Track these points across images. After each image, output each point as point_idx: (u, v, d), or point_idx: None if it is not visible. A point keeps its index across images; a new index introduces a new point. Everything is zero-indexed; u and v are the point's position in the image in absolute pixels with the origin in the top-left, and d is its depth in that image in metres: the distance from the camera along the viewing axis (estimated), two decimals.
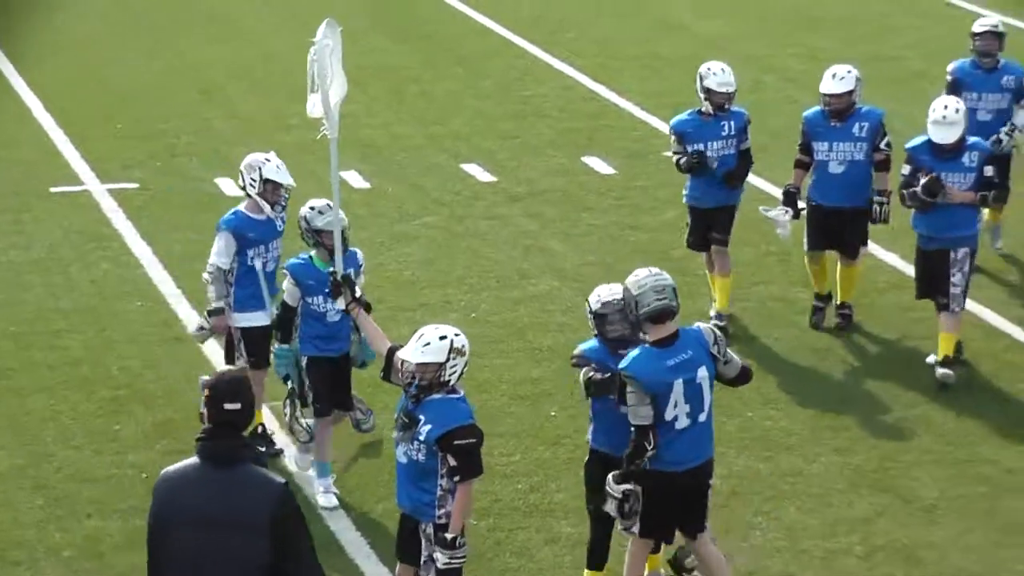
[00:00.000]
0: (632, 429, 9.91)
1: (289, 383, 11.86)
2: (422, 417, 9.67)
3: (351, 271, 11.13)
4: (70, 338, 14.73)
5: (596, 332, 10.56)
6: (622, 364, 10.04)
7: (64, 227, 17.13)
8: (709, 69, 14.43)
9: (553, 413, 12.45)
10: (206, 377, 8.19)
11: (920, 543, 11.51)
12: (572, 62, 22.22)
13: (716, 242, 14.31)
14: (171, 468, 8.01)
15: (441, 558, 9.57)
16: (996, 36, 14.86)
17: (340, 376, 11.84)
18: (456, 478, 9.62)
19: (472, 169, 18.44)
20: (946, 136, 13.02)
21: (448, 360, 9.66)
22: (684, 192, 14.51)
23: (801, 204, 14.24)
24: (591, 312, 10.64)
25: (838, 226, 13.98)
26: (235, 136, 19.65)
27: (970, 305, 14.37)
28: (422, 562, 9.77)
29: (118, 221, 17.22)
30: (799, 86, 20.47)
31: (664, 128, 18.47)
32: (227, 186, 18.00)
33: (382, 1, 25.72)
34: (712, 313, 14.08)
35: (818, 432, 12.71)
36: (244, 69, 22.47)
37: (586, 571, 10.70)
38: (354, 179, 18.10)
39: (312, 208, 11.85)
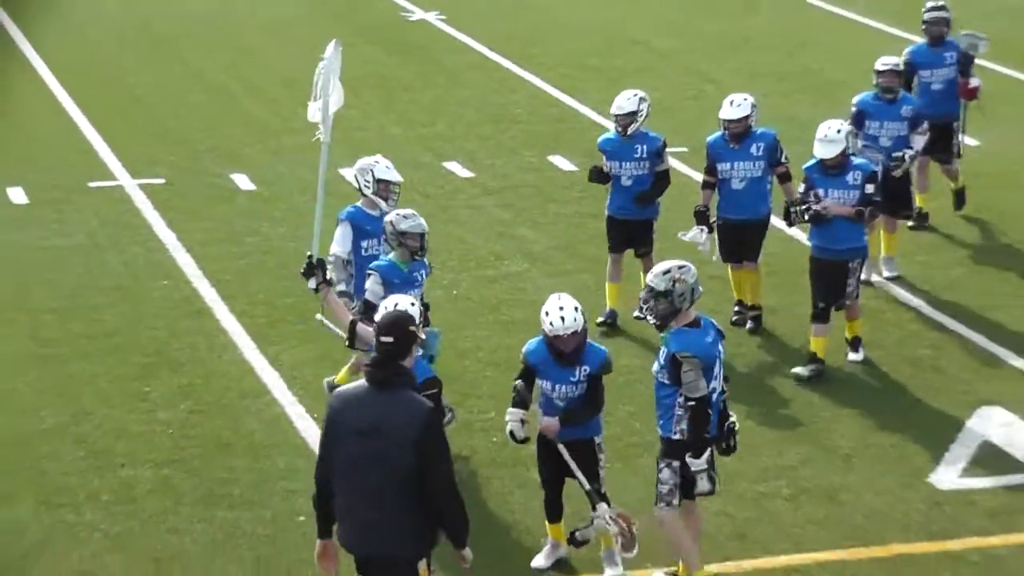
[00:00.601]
0: (692, 404, 9.77)
1: None
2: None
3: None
4: (106, 312, 14.77)
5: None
6: (676, 348, 9.89)
7: (100, 217, 17.15)
8: (617, 97, 14.21)
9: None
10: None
11: (838, 486, 11.66)
12: (540, 74, 22.23)
13: (639, 255, 14.11)
14: (344, 388, 8.86)
15: None
16: (896, 74, 14.72)
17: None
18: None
19: (453, 166, 18.46)
20: (827, 152, 13.00)
21: (425, 339, 9.73)
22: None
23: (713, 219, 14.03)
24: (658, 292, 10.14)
25: (743, 236, 13.85)
26: (247, 138, 19.71)
27: (882, 283, 14.56)
28: None
29: (147, 211, 17.24)
30: (727, 94, 20.49)
31: None
32: (241, 181, 18.13)
33: (377, 21, 25.63)
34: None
35: (751, 393, 12.82)
36: (255, 81, 22.46)
37: (548, 524, 10.67)
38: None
39: (398, 214, 11.60)
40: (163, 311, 14.81)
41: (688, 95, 20.89)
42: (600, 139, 14.21)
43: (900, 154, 14.31)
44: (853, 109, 14.69)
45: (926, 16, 16.29)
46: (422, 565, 8.72)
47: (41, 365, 13.73)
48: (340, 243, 12.23)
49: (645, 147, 13.80)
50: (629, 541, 10.10)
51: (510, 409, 10.34)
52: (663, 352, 10.03)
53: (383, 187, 12.30)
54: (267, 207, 17.37)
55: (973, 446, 12.33)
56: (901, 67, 14.96)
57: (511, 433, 10.35)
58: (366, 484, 8.56)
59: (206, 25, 25.39)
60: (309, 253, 10.74)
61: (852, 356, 13.34)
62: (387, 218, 11.66)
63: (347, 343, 10.39)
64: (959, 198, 16.30)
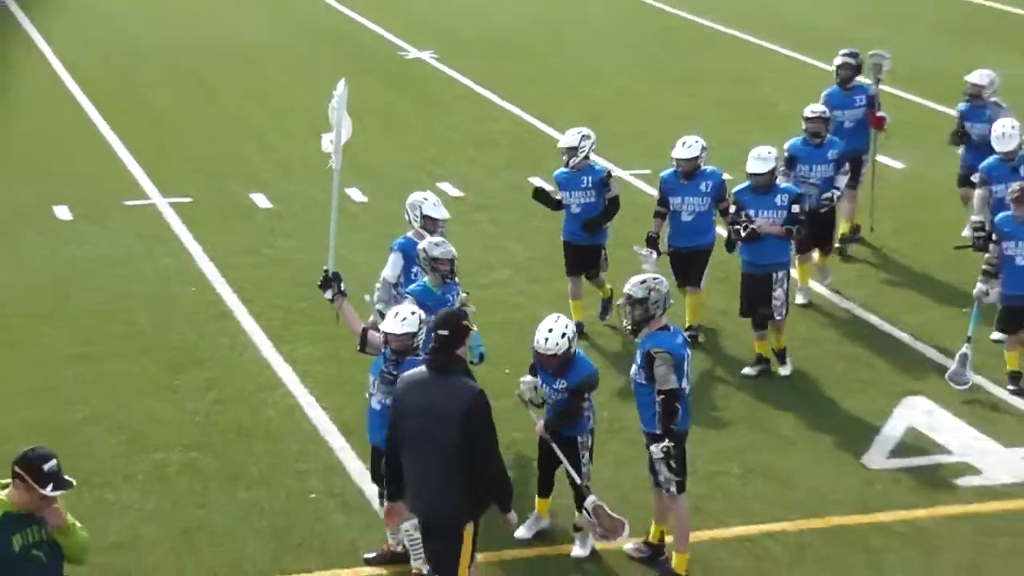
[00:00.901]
0: (662, 396, 9.74)
1: None
2: (401, 374, 9.68)
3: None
4: (140, 315, 14.79)
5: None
6: (650, 345, 9.91)
7: (135, 231, 17.13)
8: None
9: (507, 371, 12.40)
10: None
11: (783, 467, 11.77)
12: (520, 105, 22.25)
13: (589, 277, 14.02)
14: (407, 373, 9.11)
15: None
16: (824, 120, 14.53)
17: None
18: None
19: (445, 186, 18.41)
20: (759, 167, 12.94)
21: (420, 331, 9.83)
22: None
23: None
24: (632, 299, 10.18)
25: (690, 263, 13.71)
26: (264, 161, 19.74)
27: (821, 291, 14.59)
28: None
29: (176, 226, 17.23)
30: (688, 123, 20.51)
31: (609, 165, 18.65)
32: (259, 200, 18.11)
33: (378, 58, 25.71)
34: None
35: (707, 388, 12.89)
36: (272, 109, 22.50)
37: (537, 498, 10.72)
38: (356, 195, 18.14)
39: (430, 242, 11.40)
40: (190, 314, 14.82)
41: (652, 124, 20.94)
42: (556, 171, 14.04)
43: (828, 195, 14.22)
44: (785, 153, 14.46)
45: (836, 61, 16.20)
46: (468, 528, 8.92)
47: (82, 362, 13.72)
48: (391, 268, 11.98)
49: (591, 178, 13.67)
50: (606, 532, 10.05)
51: (523, 379, 10.53)
52: (639, 353, 10.04)
53: (430, 223, 11.99)
54: (281, 223, 17.39)
55: (900, 431, 12.40)
56: (827, 115, 14.75)
57: (519, 395, 10.52)
58: (424, 456, 8.82)
59: (228, 58, 25.49)
60: (325, 268, 10.65)
61: (781, 371, 13.22)
62: (420, 245, 11.48)
63: (358, 348, 10.31)
64: (855, 231, 16.17)
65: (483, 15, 28.48)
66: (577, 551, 10.55)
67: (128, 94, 23.12)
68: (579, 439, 10.30)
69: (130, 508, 11.19)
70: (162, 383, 13.27)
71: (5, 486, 7.27)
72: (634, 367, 10.14)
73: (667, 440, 9.76)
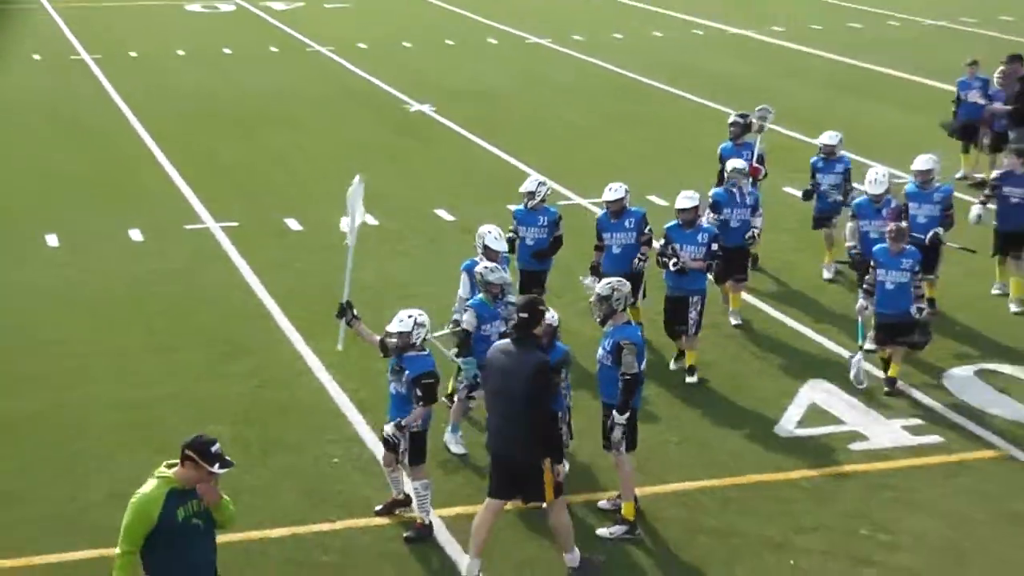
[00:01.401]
0: (627, 378, 9.96)
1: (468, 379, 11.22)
2: (405, 366, 9.86)
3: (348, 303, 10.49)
4: (197, 316, 14.86)
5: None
6: (619, 337, 10.07)
7: (193, 249, 17.19)
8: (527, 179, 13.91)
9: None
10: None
11: (711, 435, 11.90)
12: (499, 146, 22.26)
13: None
14: (498, 343, 9.67)
15: (387, 429, 10.04)
16: (744, 174, 14.21)
17: None
18: (421, 403, 9.84)
19: (440, 212, 18.52)
20: (686, 204, 12.82)
21: (413, 330, 9.89)
22: None
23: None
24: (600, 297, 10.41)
25: None
26: (296, 193, 19.74)
27: (754, 302, 14.66)
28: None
29: (226, 245, 17.28)
30: (633, 159, 20.55)
31: (559, 188, 18.73)
32: (292, 223, 18.11)
33: (387, 108, 25.68)
34: None
35: (653, 381, 12.84)
36: (303, 151, 22.49)
37: None
38: (368, 219, 18.02)
39: (487, 267, 11.20)
40: (238, 315, 14.90)
41: (604, 159, 20.97)
42: (515, 209, 13.77)
43: (750, 235, 13.97)
44: (709, 200, 14.17)
45: (729, 120, 16.15)
46: (546, 463, 9.31)
47: (153, 353, 13.81)
48: (463, 288, 11.83)
49: (546, 218, 13.43)
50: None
51: None
52: (608, 342, 10.16)
53: (490, 252, 11.74)
54: (309, 243, 17.41)
55: (804, 407, 12.54)
56: (747, 169, 14.42)
57: None
58: (502, 409, 9.31)
59: (266, 106, 25.45)
60: (341, 301, 10.56)
61: (688, 379, 12.94)
62: (477, 269, 11.36)
63: (381, 354, 10.28)
64: (755, 260, 15.83)
65: (470, 76, 28.57)
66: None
67: (185, 136, 23.11)
68: (559, 414, 10.25)
69: None
70: (215, 370, 13.36)
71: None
72: (601, 351, 10.26)
73: (627, 411, 10.02)
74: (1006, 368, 13.30)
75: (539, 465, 9.28)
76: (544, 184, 13.65)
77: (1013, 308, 14.51)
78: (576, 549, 9.62)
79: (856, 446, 11.73)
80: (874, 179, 13.80)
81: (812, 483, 11.11)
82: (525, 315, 9.41)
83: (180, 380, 13.11)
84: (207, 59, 30.46)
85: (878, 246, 12.77)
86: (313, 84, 27.90)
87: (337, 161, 21.43)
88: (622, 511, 10.30)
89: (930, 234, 13.60)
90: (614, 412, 10.10)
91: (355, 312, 10.52)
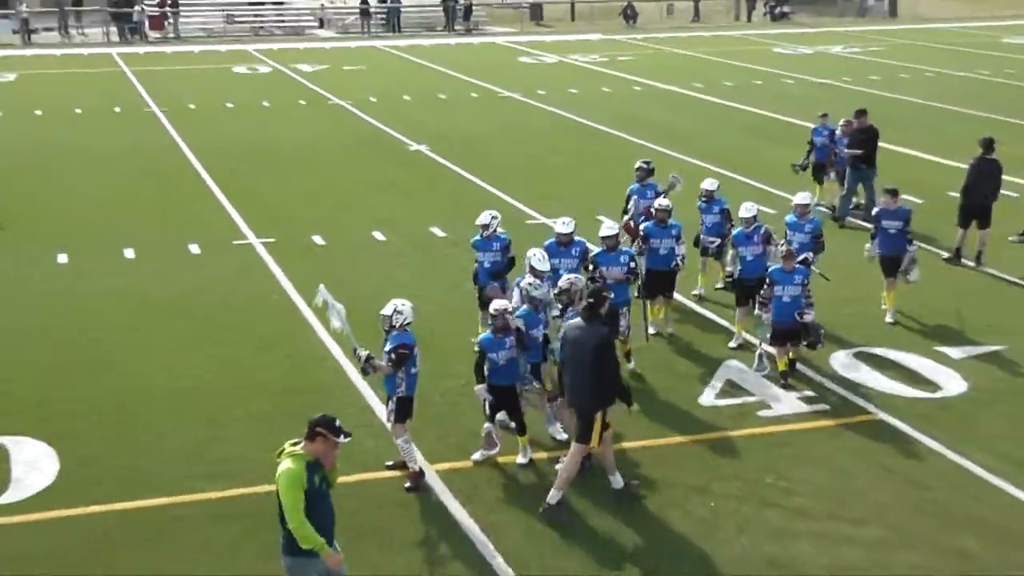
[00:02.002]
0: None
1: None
2: (387, 341, 9.89)
3: (367, 351, 9.93)
4: (241, 315, 14.74)
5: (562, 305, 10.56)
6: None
7: (240, 261, 17.05)
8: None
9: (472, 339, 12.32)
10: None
11: (652, 406, 11.75)
12: (483, 179, 22.12)
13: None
14: (572, 321, 9.86)
15: (360, 353, 9.96)
16: (667, 211, 13.50)
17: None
18: (390, 364, 9.88)
19: (435, 230, 18.39)
20: (608, 232, 12.39)
21: (392, 315, 9.87)
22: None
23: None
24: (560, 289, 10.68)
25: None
26: (319, 216, 19.55)
27: (684, 301, 14.57)
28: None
29: (265, 258, 17.11)
30: (587, 189, 20.52)
31: (528, 210, 18.67)
32: (317, 239, 17.94)
33: (389, 149, 25.58)
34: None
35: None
36: (323, 182, 22.30)
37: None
38: (378, 236, 18.11)
39: (531, 284, 10.81)
40: (274, 315, 14.76)
41: (565, 189, 20.99)
42: (473, 238, 13.20)
43: (676, 261, 13.36)
44: (641, 232, 13.58)
45: (636, 166, 15.43)
46: (598, 415, 9.55)
47: (204, 345, 13.71)
48: (515, 299, 11.32)
49: (499, 244, 12.92)
50: (490, 443, 10.39)
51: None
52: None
53: (536, 272, 11.21)
54: (331, 256, 17.30)
55: (722, 382, 12.51)
56: (671, 206, 13.71)
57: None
58: (574, 370, 9.60)
59: (294, 148, 25.21)
60: (356, 353, 10.09)
61: (628, 365, 12.55)
62: (522, 284, 11.02)
63: (394, 370, 9.90)
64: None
65: (457, 123, 28.51)
66: (520, 459, 10.58)
67: (232, 171, 22.96)
68: (516, 386, 10.35)
69: (239, 438, 11.23)
70: (256, 359, 13.26)
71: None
72: (562, 336, 10.17)
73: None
74: (877, 351, 13.32)
75: (593, 414, 9.51)
76: (496, 217, 13.12)
77: (888, 318, 14.23)
78: (618, 473, 9.97)
79: (762, 413, 11.71)
80: (746, 209, 13.41)
81: (728, 442, 11.11)
82: (592, 300, 9.71)
83: (227, 364, 13.02)
84: (250, 111, 30.34)
85: (774, 267, 12.48)
86: (334, 130, 27.77)
87: (352, 190, 21.43)
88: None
89: (800, 256, 13.24)
90: None
91: (373, 362, 9.97)
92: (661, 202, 13.77)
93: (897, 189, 14.53)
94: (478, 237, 13.11)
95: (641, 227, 13.74)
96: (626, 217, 14.61)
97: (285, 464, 7.39)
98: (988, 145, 16.72)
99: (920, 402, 11.93)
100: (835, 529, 9.54)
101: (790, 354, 12.50)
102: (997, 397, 12.09)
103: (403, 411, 10.06)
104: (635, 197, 14.94)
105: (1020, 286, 15.69)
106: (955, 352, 13.23)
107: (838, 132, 19.29)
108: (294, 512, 7.30)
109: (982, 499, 10.00)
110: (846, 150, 18.82)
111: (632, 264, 12.52)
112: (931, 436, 11.15)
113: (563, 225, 12.81)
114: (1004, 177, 17.18)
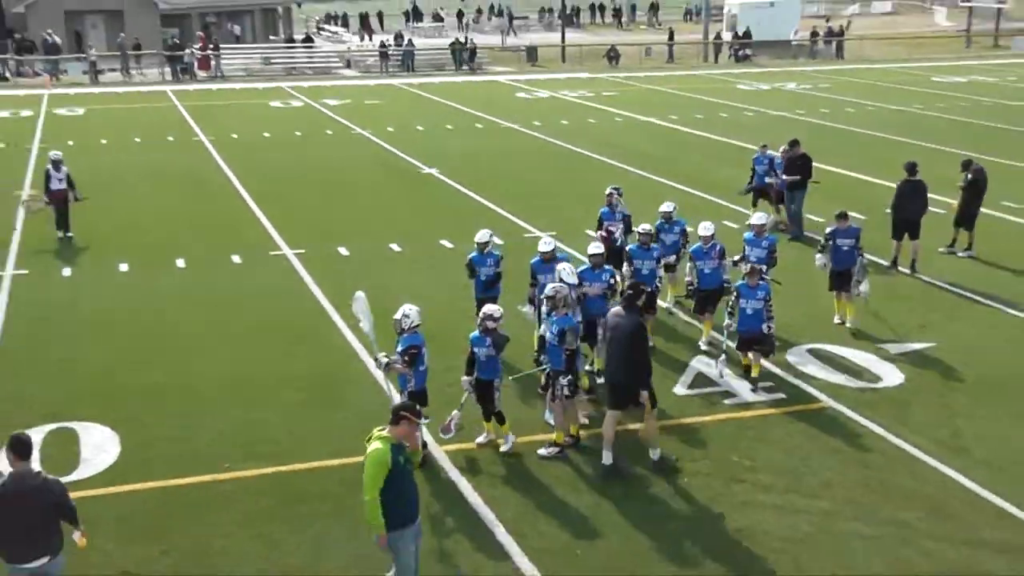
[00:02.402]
0: (569, 353, 10.02)
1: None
2: (399, 343, 9.82)
3: (387, 357, 9.75)
4: (277, 315, 14.65)
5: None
6: (563, 325, 9.99)
7: (276, 269, 16.96)
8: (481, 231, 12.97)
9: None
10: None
11: None
12: (485, 197, 22.03)
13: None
14: (614, 310, 9.95)
15: (380, 359, 9.81)
16: (650, 235, 13.07)
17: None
18: (405, 364, 9.78)
19: (443, 241, 18.32)
20: (595, 250, 11.98)
21: (401, 319, 9.81)
22: None
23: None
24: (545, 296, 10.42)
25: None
26: (343, 229, 19.47)
27: (662, 304, 14.52)
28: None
29: (297, 266, 17.02)
30: (573, 204, 20.44)
31: (524, 224, 18.62)
32: (342, 250, 17.84)
33: (405, 172, 25.45)
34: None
35: None
36: (347, 199, 22.18)
37: (486, 422, 10.51)
38: (395, 247, 18.06)
39: (558, 293, 10.32)
40: (305, 314, 14.70)
41: (554, 203, 20.90)
42: (471, 254, 12.80)
43: (656, 283, 13.05)
44: (627, 252, 13.14)
45: (607, 191, 14.52)
46: (643, 393, 9.70)
47: (245, 340, 13.65)
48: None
49: (491, 260, 12.65)
50: (447, 428, 10.24)
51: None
52: (555, 328, 10.05)
53: (565, 284, 11.11)
54: (354, 263, 17.23)
55: (693, 374, 12.45)
56: (653, 230, 13.35)
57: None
58: (614, 351, 9.75)
59: (322, 171, 25.10)
60: (375, 359, 10.04)
61: (600, 380, 11.98)
62: (547, 293, 10.52)
63: (409, 369, 9.75)
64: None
65: (464, 149, 28.43)
66: (505, 447, 10.50)
67: (269, 191, 22.85)
68: (495, 382, 10.27)
69: (273, 423, 11.17)
70: (289, 351, 13.20)
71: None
72: (549, 334, 10.17)
73: (571, 375, 10.06)
74: (827, 347, 13.28)
75: (636, 387, 9.71)
76: (493, 234, 12.86)
77: (848, 324, 13.90)
78: (659, 446, 10.11)
79: (728, 401, 11.67)
80: (705, 227, 13.12)
81: (700, 425, 11.07)
82: (631, 292, 9.92)
83: (264, 359, 12.96)
84: (284, 139, 30.22)
85: (740, 282, 12.17)
86: (356, 155, 27.65)
87: (372, 207, 21.35)
88: (554, 437, 10.42)
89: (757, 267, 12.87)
90: (560, 376, 10.11)
91: (388, 361, 9.88)
92: (644, 227, 13.32)
93: (846, 212, 14.36)
94: (476, 253, 12.61)
95: (627, 248, 13.45)
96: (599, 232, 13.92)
97: (373, 445, 7.29)
98: (912, 168, 16.71)
99: (863, 392, 11.89)
100: (792, 502, 9.50)
101: (755, 367, 12.15)
102: (929, 388, 12.05)
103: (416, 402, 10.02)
104: (605, 223, 14.35)
105: (948, 291, 15.66)
106: (893, 348, 13.19)
107: (778, 158, 19.10)
108: (371, 487, 7.23)
109: (917, 476, 9.97)
110: (784, 176, 18.48)
111: (612, 281, 12.09)
112: (873, 422, 11.13)
113: (544, 244, 12.42)
114: (935, 196, 17.19)
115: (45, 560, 6.98)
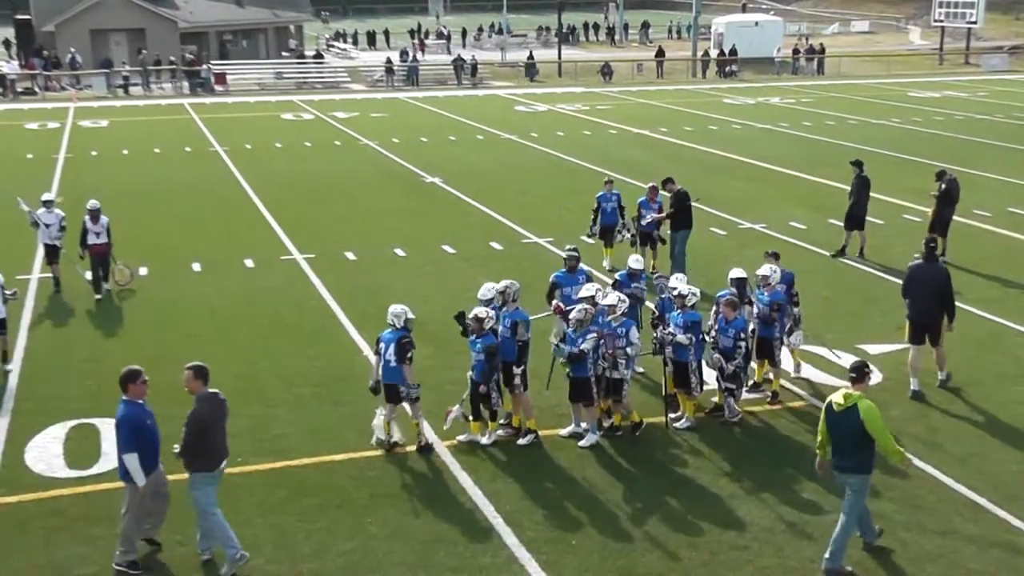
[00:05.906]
0: (521, 344, 10.10)
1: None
2: (393, 337, 9.79)
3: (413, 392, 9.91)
4: (288, 316, 14.61)
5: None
6: (517, 317, 10.10)
7: (286, 273, 16.92)
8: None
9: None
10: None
11: None
12: (486, 204, 22.00)
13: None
14: (915, 262, 11.26)
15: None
16: (577, 258, 11.87)
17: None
18: (405, 363, 9.73)
19: (446, 247, 18.29)
20: (574, 268, 11.69)
21: (395, 320, 9.83)
22: None
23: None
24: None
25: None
26: (350, 235, 19.41)
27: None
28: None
29: (307, 270, 17.00)
30: (570, 215, 20.41)
31: (524, 232, 18.57)
32: (350, 255, 17.80)
33: (408, 180, 25.45)
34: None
35: None
36: (354, 206, 22.17)
37: (473, 421, 10.41)
38: (399, 252, 18.03)
39: (586, 312, 10.05)
40: (314, 315, 14.66)
41: (553, 214, 20.80)
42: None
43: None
44: (616, 278, 12.13)
45: (564, 255, 12.11)
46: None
47: (258, 340, 13.63)
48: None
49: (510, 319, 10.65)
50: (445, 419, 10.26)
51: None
52: (508, 320, 10.23)
53: (633, 272, 11.31)
54: (360, 268, 17.20)
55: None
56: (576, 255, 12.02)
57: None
58: (921, 294, 11.53)
59: (330, 180, 25.09)
60: (372, 385, 10.04)
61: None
62: (573, 316, 10.15)
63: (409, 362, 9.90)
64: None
65: (465, 160, 28.46)
66: (485, 440, 10.44)
67: (281, 199, 22.83)
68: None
69: (285, 419, 11.12)
70: (300, 351, 13.18)
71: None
72: (501, 327, 10.18)
73: (523, 364, 10.11)
74: (810, 348, 13.17)
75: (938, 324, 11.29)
76: (500, 288, 10.71)
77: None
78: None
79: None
80: (687, 291, 11.05)
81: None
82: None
83: (276, 358, 12.93)
84: (295, 150, 30.21)
85: (713, 312, 11.23)
86: (363, 165, 27.66)
87: (378, 214, 21.32)
88: (528, 425, 10.39)
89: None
90: (512, 367, 10.19)
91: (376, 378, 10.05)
92: (635, 262, 11.95)
93: (778, 252, 12.42)
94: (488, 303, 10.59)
95: (616, 275, 12.18)
96: (555, 301, 11.59)
97: (865, 403, 7.96)
98: (860, 165, 17.87)
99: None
100: (777, 492, 9.48)
101: (758, 368, 11.72)
102: (906, 387, 11.98)
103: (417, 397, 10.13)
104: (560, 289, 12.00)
105: None
106: (872, 349, 13.15)
107: (643, 198, 16.05)
108: (887, 439, 8.00)
109: (895, 471, 9.93)
110: (655, 215, 15.84)
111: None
112: None
113: (568, 250, 11.78)
114: (910, 204, 17.22)
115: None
